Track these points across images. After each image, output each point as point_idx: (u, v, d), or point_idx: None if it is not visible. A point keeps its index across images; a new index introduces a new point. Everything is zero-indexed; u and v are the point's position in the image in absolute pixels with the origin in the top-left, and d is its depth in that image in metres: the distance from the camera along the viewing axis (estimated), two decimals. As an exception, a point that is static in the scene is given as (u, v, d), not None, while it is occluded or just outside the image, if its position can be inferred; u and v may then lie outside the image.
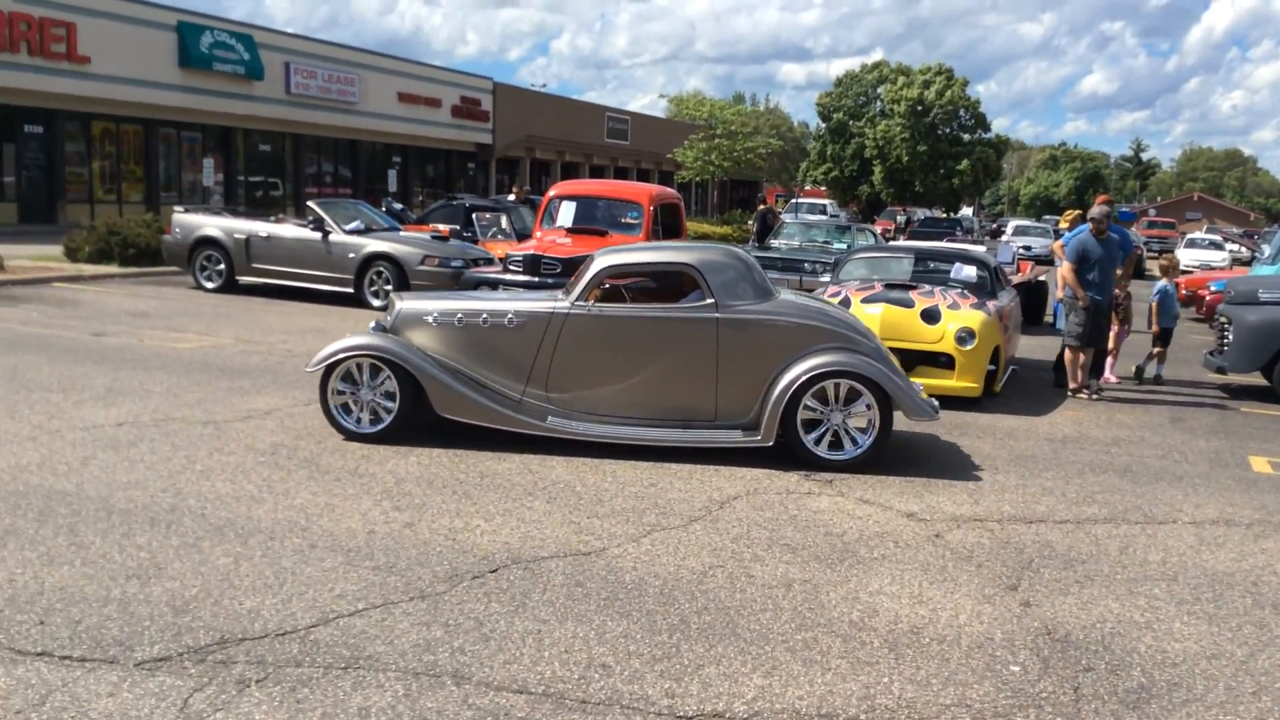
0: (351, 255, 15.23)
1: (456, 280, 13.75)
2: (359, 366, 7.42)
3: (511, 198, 22.10)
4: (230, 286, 16.00)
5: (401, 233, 16.45)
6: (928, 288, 10.52)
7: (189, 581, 4.61)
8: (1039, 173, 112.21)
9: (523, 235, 17.10)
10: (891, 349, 9.47)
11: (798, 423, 7.14)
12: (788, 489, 6.60)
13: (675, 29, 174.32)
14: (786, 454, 7.13)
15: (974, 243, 23.79)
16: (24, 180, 28.76)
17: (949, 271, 11.34)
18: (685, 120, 53.32)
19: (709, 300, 7.29)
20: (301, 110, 35.33)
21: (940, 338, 9.55)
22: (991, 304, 10.34)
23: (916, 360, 9.63)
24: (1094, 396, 10.50)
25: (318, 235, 15.49)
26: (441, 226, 17.65)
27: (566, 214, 12.52)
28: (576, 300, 7.40)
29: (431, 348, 7.51)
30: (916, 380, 9.47)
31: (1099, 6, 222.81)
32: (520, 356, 7.43)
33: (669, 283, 7.95)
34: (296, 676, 3.79)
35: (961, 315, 9.71)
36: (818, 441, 7.17)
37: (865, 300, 9.96)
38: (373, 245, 15.22)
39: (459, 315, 7.55)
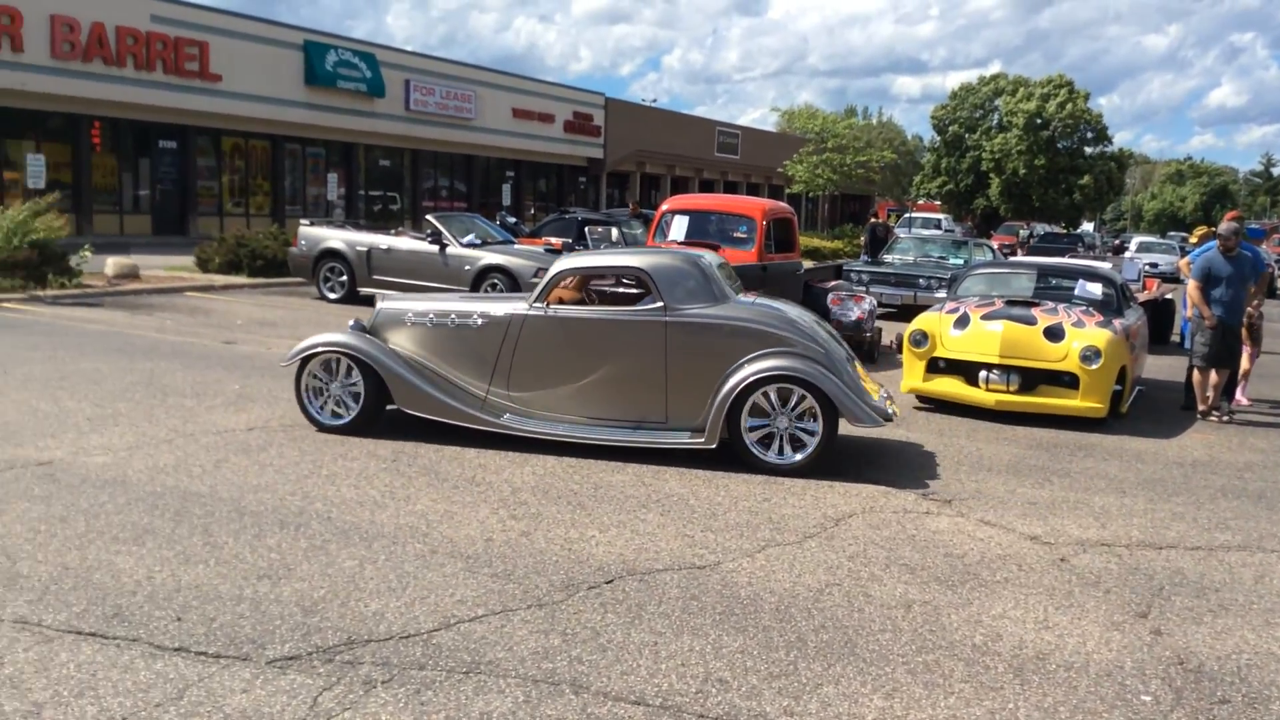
0: (467, 267, 15.53)
1: (570, 293, 13.89)
2: (336, 362, 7.82)
3: (628, 211, 22.27)
4: (351, 297, 16.45)
5: (515, 246, 16.72)
6: (1051, 305, 10.25)
7: (317, 583, 4.74)
8: (1163, 188, 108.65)
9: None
10: (1013, 368, 9.31)
11: (741, 426, 7.19)
12: (904, 508, 6.50)
13: (787, 42, 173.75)
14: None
15: (1096, 259, 23.12)
16: (158, 194, 30.05)
17: (1073, 288, 11.03)
18: (796, 134, 53.02)
19: (658, 304, 7.41)
20: (420, 126, 36.20)
21: (1064, 356, 9.30)
22: (1118, 322, 10.03)
23: (1039, 379, 9.39)
24: (1225, 419, 10.09)
25: (435, 248, 15.85)
26: (554, 240, 17.90)
27: (679, 228, 12.55)
28: (535, 302, 7.67)
29: (407, 346, 7.91)
30: (1040, 399, 9.26)
31: (1228, 17, 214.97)
32: (485, 356, 7.73)
33: (630, 288, 8.20)
34: (420, 679, 3.86)
35: (1087, 333, 9.44)
36: (764, 446, 7.21)
37: (985, 317, 9.75)
38: (488, 258, 15.50)
39: (430, 315, 7.91)
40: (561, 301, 7.81)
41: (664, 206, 13.27)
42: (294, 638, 4.15)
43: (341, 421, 7.77)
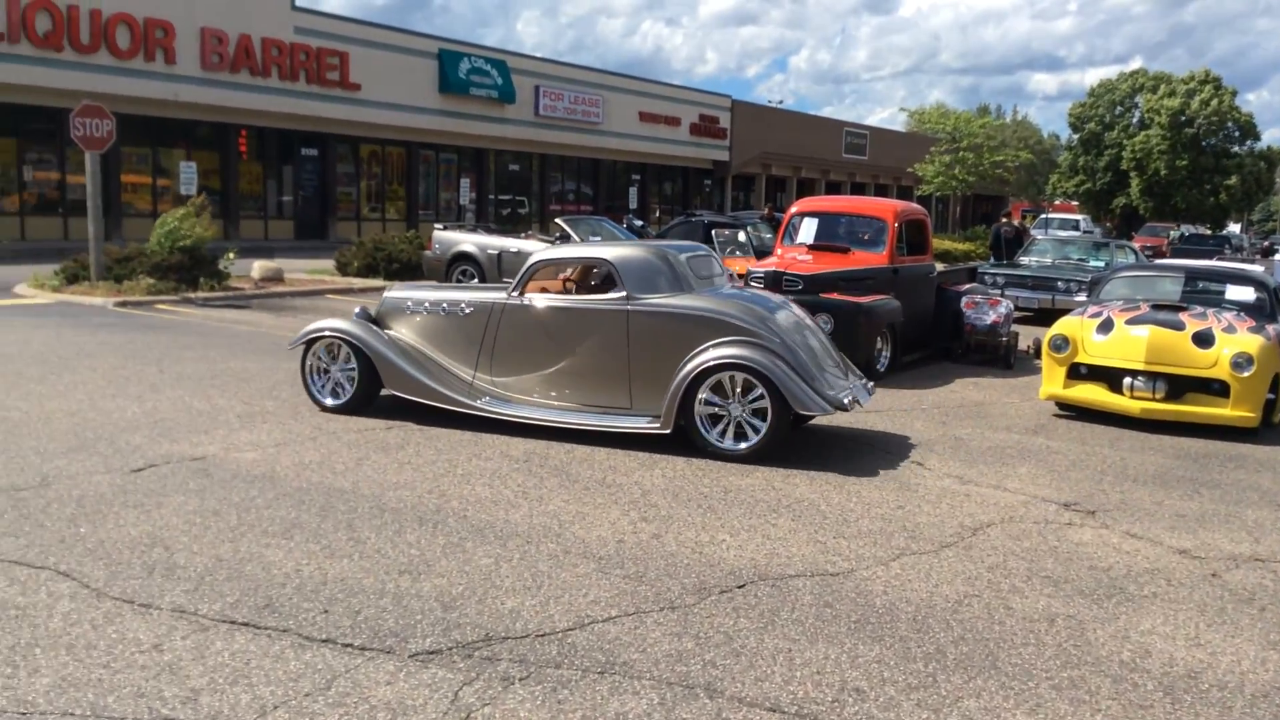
0: (595, 270, 15.66)
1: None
2: (336, 346, 8.45)
3: (760, 214, 22.18)
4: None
5: (643, 249, 16.79)
6: (1199, 309, 9.82)
7: (455, 579, 4.85)
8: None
9: (761, 252, 17.13)
10: (1159, 375, 8.95)
11: (694, 411, 7.41)
12: (1046, 518, 6.31)
13: (918, 40, 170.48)
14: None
15: (1244, 262, 22.07)
16: (299, 200, 31.19)
17: (1222, 292, 10.55)
18: (926, 134, 52.01)
19: (622, 293, 7.74)
20: (548, 131, 36.72)
21: (1214, 363, 8.90)
22: (1271, 328, 9.55)
23: (1187, 387, 9.01)
24: (1393, 431, 9.51)
25: (564, 251, 16.04)
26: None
27: (808, 231, 12.43)
28: (513, 292, 8.14)
29: (406, 333, 8.50)
30: (1188, 408, 8.88)
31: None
32: (471, 343, 8.24)
33: (598, 278, 8.55)
34: (556, 678, 3.91)
35: (1238, 339, 9.01)
36: (720, 433, 7.42)
37: (1130, 321, 9.40)
38: (616, 261, 15.61)
39: (426, 303, 8.46)
40: (545, 290, 8.31)
41: (793, 209, 13.16)
42: (434, 632, 4.25)
43: (340, 401, 8.39)
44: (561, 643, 4.22)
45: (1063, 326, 9.69)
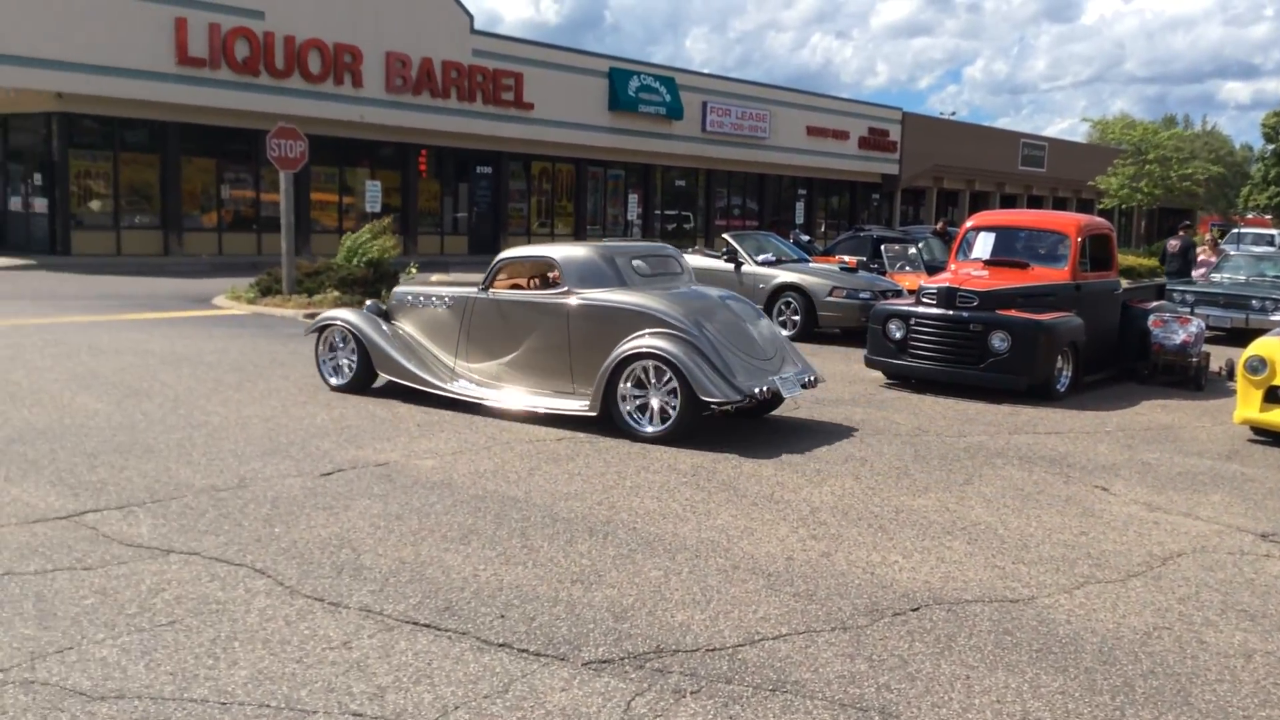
0: (761, 286, 15.63)
1: (865, 312, 13.72)
2: (342, 334, 9.63)
3: (934, 229, 21.70)
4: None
5: (810, 264, 16.66)
6: None
7: (625, 590, 4.91)
8: None
9: (932, 268, 16.76)
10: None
11: (616, 395, 8.14)
12: (1241, 549, 5.95)
13: (1101, 49, 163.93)
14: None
15: None
16: (474, 215, 32.19)
17: None
18: (1109, 145, 49.90)
19: (564, 288, 8.63)
20: (715, 146, 36.87)
21: None
22: None
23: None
24: None
25: (730, 266, 16.06)
26: (848, 258, 17.70)
27: (984, 245, 12.08)
28: (481, 286, 9.16)
29: (406, 323, 9.57)
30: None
31: None
32: (451, 332, 9.25)
33: (548, 275, 9.25)
34: (727, 693, 3.91)
35: None
36: (642, 415, 8.13)
37: (1337, 343, 8.79)
38: (783, 276, 15.55)
39: (420, 297, 9.51)
40: (515, 286, 9.32)
41: (969, 223, 12.82)
42: (606, 642, 4.31)
43: (343, 381, 9.59)
44: (732, 658, 4.21)
45: (1260, 347, 9.13)
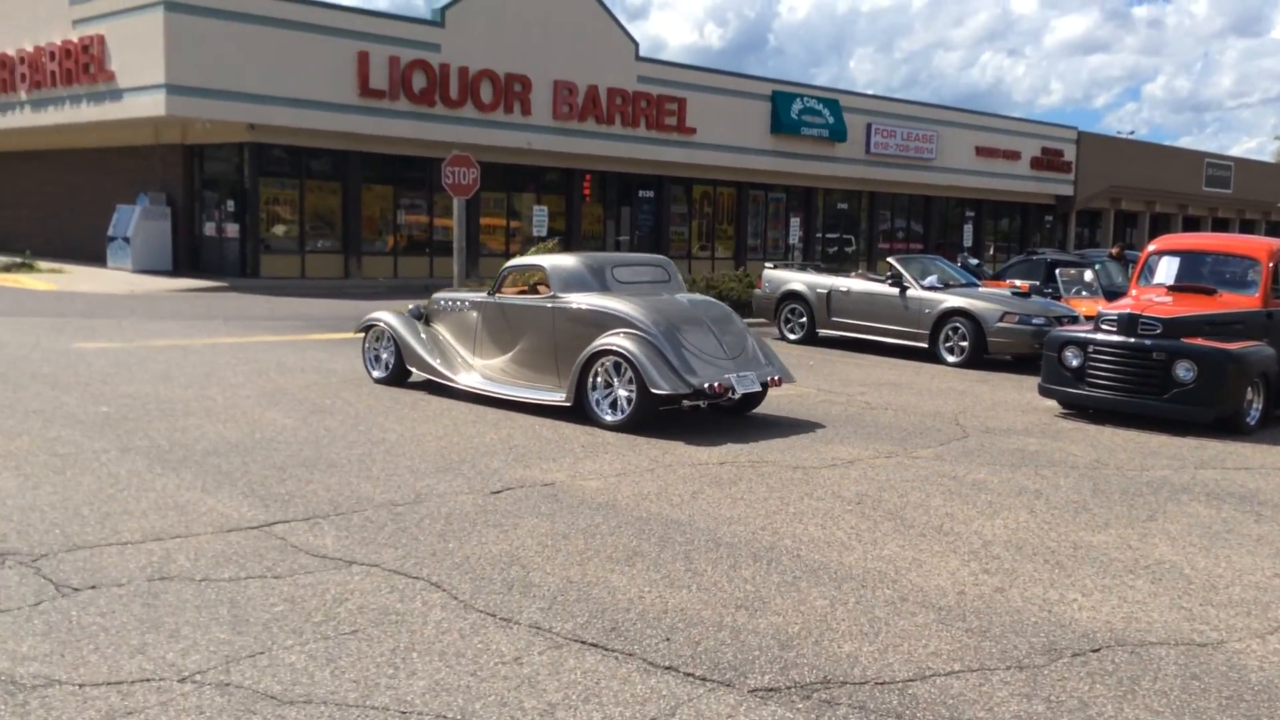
0: (928, 311, 15.31)
1: (1038, 339, 13.29)
2: (383, 332, 11.06)
3: (1110, 253, 20.87)
4: (811, 338, 16.82)
5: (979, 288, 16.24)
6: None
7: (790, 618, 4.87)
8: None
9: (1110, 293, 16.11)
10: None
11: (586, 387, 9.29)
12: None
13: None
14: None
15: None
16: (635, 239, 32.58)
17: None
18: (1304, 163, 47.01)
19: (550, 293, 9.88)
20: (878, 169, 36.38)
21: None
22: None
23: None
24: None
25: (894, 290, 15.80)
26: (1020, 282, 17.17)
27: (1167, 270, 11.54)
28: (490, 292, 10.51)
29: (440, 325, 10.95)
30: None
31: None
32: (470, 332, 10.59)
33: (539, 281, 10.50)
34: (897, 728, 3.84)
35: None
36: (608, 405, 9.23)
37: None
38: (950, 301, 15.19)
39: (449, 301, 10.93)
40: (521, 292, 10.46)
41: (1151, 247, 12.28)
42: (772, 670, 4.29)
43: (383, 374, 11.03)
44: (902, 693, 4.13)
45: None
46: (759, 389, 9.53)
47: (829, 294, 16.61)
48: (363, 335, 11.39)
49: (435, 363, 10.53)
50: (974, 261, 25.90)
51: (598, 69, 28.67)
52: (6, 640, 4.26)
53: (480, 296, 10.57)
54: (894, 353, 15.85)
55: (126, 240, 25.51)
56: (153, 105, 22.56)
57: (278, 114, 23.52)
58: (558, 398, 9.49)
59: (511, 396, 9.84)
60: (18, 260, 24.91)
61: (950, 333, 15.03)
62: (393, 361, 10.96)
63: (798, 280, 17.28)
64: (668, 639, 4.57)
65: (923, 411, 10.83)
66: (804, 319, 16.96)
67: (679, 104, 30.40)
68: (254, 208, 24.81)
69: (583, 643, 4.49)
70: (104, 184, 27.99)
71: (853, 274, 18.09)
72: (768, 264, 19.22)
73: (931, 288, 15.61)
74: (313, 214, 26.24)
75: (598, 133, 28.91)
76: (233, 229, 25.24)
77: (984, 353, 14.70)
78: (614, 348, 9.10)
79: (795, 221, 34.97)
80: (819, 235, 37.36)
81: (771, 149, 33.16)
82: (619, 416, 9.11)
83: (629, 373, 9.05)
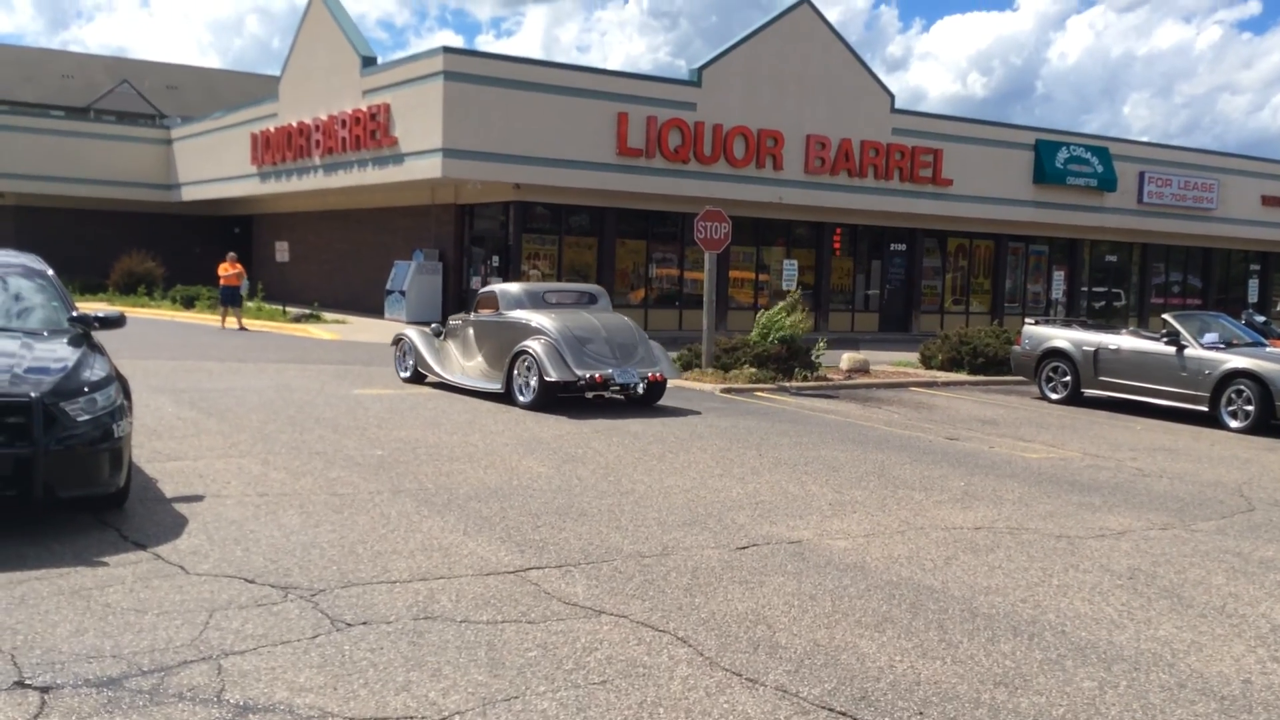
0: (1208, 371, 14.23)
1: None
2: (406, 346, 14.95)
3: None
4: (1074, 398, 15.95)
5: (1266, 348, 14.96)
6: None
7: (1054, 699, 4.59)
8: None
9: None
10: None
11: (513, 377, 12.95)
12: None
13: None
14: None
15: None
16: (885, 293, 32.03)
17: None
18: None
19: (500, 310, 13.71)
20: (1152, 219, 34.30)
21: None
22: None
23: None
24: None
25: (1171, 349, 14.78)
26: (1319, 342, 15.68)
27: None
28: (470, 312, 14.45)
29: (450, 339, 14.56)
30: None
31: None
32: (463, 343, 14.33)
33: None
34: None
35: None
36: (526, 390, 12.82)
37: None
38: (1234, 361, 14.06)
39: (459, 321, 14.58)
40: (489, 311, 14.07)
41: None
42: (1033, 754, 4.04)
43: (407, 375, 14.87)
44: (1180, 791, 3.80)
45: None
46: (637, 381, 12.90)
47: (1096, 352, 15.71)
48: (394, 346, 15.39)
49: (436, 366, 14.22)
50: (1260, 319, 23.89)
51: (851, 122, 28.51)
52: (287, 670, 4.59)
53: (467, 316, 14.44)
54: (1168, 416, 14.80)
55: (402, 293, 27.38)
56: (430, 168, 24.19)
57: (541, 174, 24.69)
58: (497, 387, 13.18)
59: (475, 387, 13.63)
60: (307, 311, 27.17)
61: (1234, 395, 13.90)
62: (412, 367, 14.67)
63: (1061, 337, 16.46)
64: (920, 713, 4.39)
65: (1202, 480, 10.04)
66: (1067, 378, 16.10)
67: (935, 155, 29.76)
68: (516, 262, 26.05)
69: (831, 710, 4.39)
70: (384, 241, 30.17)
71: (1122, 331, 17.05)
72: (1028, 319, 18.43)
73: (1213, 346, 14.49)
74: (569, 268, 27.28)
75: (849, 186, 28.69)
76: (495, 282, 26.61)
77: (1272, 418, 13.49)
78: (527, 348, 12.75)
79: (1059, 275, 33.37)
80: (1084, 289, 35.52)
81: (1033, 199, 31.87)
82: (529, 398, 12.70)
83: (534, 366, 12.57)
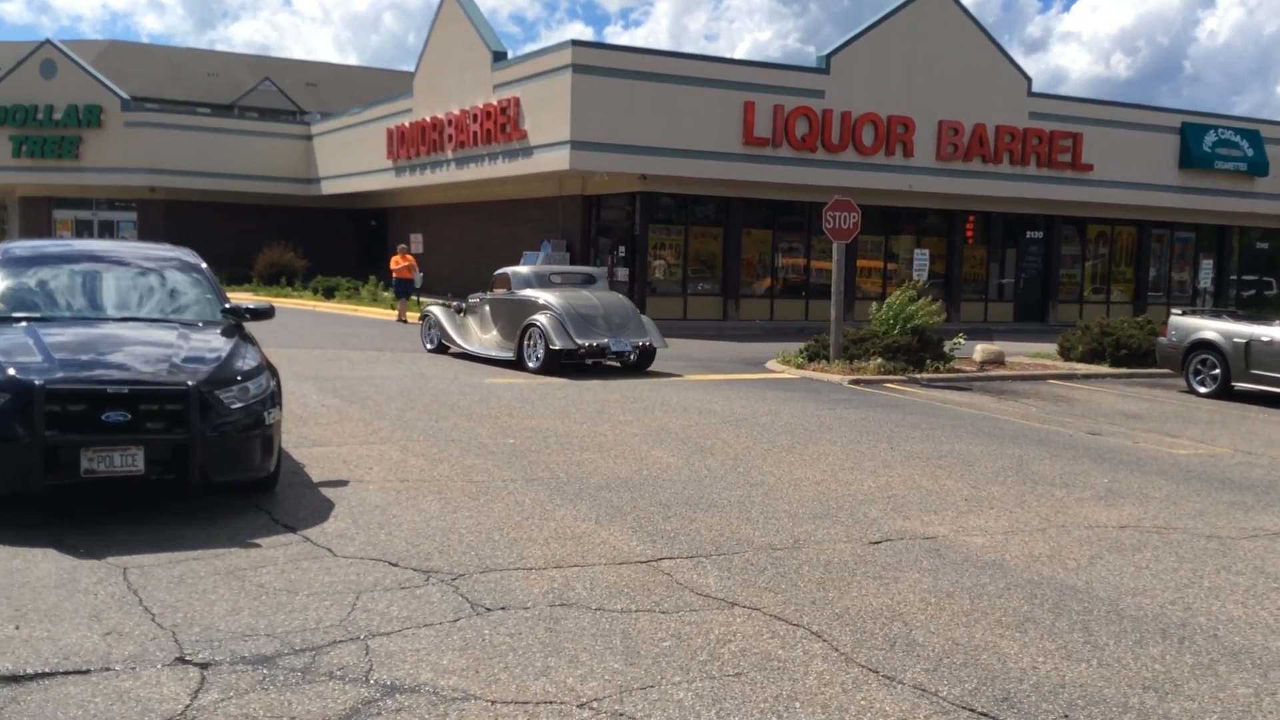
0: (1373, 365, 13.43)
1: None
2: (432, 318, 17.49)
3: None
4: (1224, 392, 15.26)
5: None
6: None
7: (1208, 705, 4.42)
8: None
9: None
10: None
11: (523, 346, 15.31)
12: None
13: None
14: None
15: None
16: (1020, 282, 31.15)
17: None
18: None
19: (510, 289, 15.97)
20: (1308, 204, 32.54)
21: None
22: None
23: None
24: None
25: (1331, 341, 14.00)
26: None
27: None
28: (487, 291, 16.61)
29: (470, 315, 16.85)
30: None
31: None
32: (478, 318, 16.63)
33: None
34: None
35: None
36: (534, 357, 15.11)
37: None
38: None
39: (478, 299, 16.79)
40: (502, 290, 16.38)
41: None
42: (1187, 764, 3.90)
43: (432, 347, 17.44)
44: (1348, 808, 3.61)
45: None
46: (629, 349, 15.23)
47: (1248, 344, 14.99)
48: (422, 321, 18.02)
49: (457, 338, 16.64)
50: None
51: (985, 107, 27.78)
52: (430, 653, 4.72)
53: (483, 295, 16.68)
54: (1328, 411, 14.03)
55: (624, 285, 27.78)
56: (558, 160, 24.48)
57: (667, 164, 24.73)
58: (509, 355, 15.44)
59: (491, 356, 15.93)
60: (439, 302, 27.78)
61: (1401, 391, 13.10)
62: (437, 339, 17.31)
63: (1211, 328, 15.76)
64: (1066, 716, 4.28)
65: (1367, 481, 9.50)
66: (1216, 371, 15.42)
67: (1074, 139, 28.78)
68: (643, 253, 26.19)
69: (972, 710, 4.31)
70: (513, 232, 30.67)
71: (1276, 322, 16.22)
72: (1174, 310, 17.69)
73: (1377, 339, 13.69)
74: (695, 258, 27.29)
75: (983, 172, 27.97)
76: (623, 273, 26.76)
77: None
78: (535, 321, 15.04)
79: (1206, 263, 31.95)
80: (1233, 278, 33.93)
81: (1179, 185, 30.57)
82: (537, 364, 14.93)
83: (541, 336, 14.85)
